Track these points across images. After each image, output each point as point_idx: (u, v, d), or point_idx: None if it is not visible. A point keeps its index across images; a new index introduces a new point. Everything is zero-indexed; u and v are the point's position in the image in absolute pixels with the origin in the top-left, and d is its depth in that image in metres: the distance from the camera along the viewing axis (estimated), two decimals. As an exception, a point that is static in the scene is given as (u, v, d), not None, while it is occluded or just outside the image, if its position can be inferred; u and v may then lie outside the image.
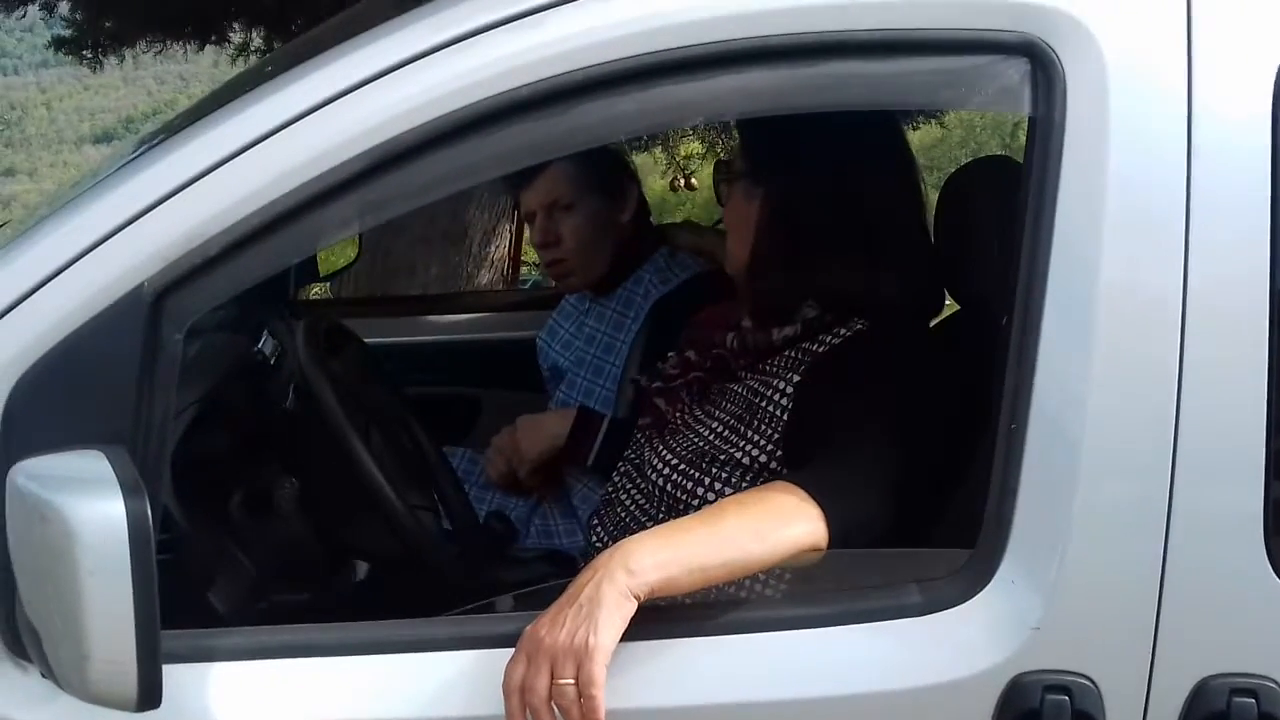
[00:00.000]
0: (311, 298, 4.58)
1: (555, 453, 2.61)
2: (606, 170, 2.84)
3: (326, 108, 1.47)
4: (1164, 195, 1.45)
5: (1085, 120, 1.46)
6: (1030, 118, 1.49)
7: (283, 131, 1.46)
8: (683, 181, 11.78)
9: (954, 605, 1.49)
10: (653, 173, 13.48)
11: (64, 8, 8.21)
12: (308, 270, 3.59)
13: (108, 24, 8.13)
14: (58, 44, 8.63)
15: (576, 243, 2.80)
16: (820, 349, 1.93)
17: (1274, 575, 1.47)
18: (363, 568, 2.34)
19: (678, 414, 2.09)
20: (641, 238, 2.86)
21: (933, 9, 1.50)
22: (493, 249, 6.91)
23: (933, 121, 10.02)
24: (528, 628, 1.44)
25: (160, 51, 8.29)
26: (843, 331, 1.94)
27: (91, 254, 1.44)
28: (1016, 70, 1.49)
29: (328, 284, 5.98)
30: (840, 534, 1.58)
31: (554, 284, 3.01)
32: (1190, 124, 1.45)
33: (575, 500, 2.67)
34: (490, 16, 1.49)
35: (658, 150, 11.36)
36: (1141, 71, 1.47)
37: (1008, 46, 1.48)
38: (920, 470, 1.71)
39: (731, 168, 2.09)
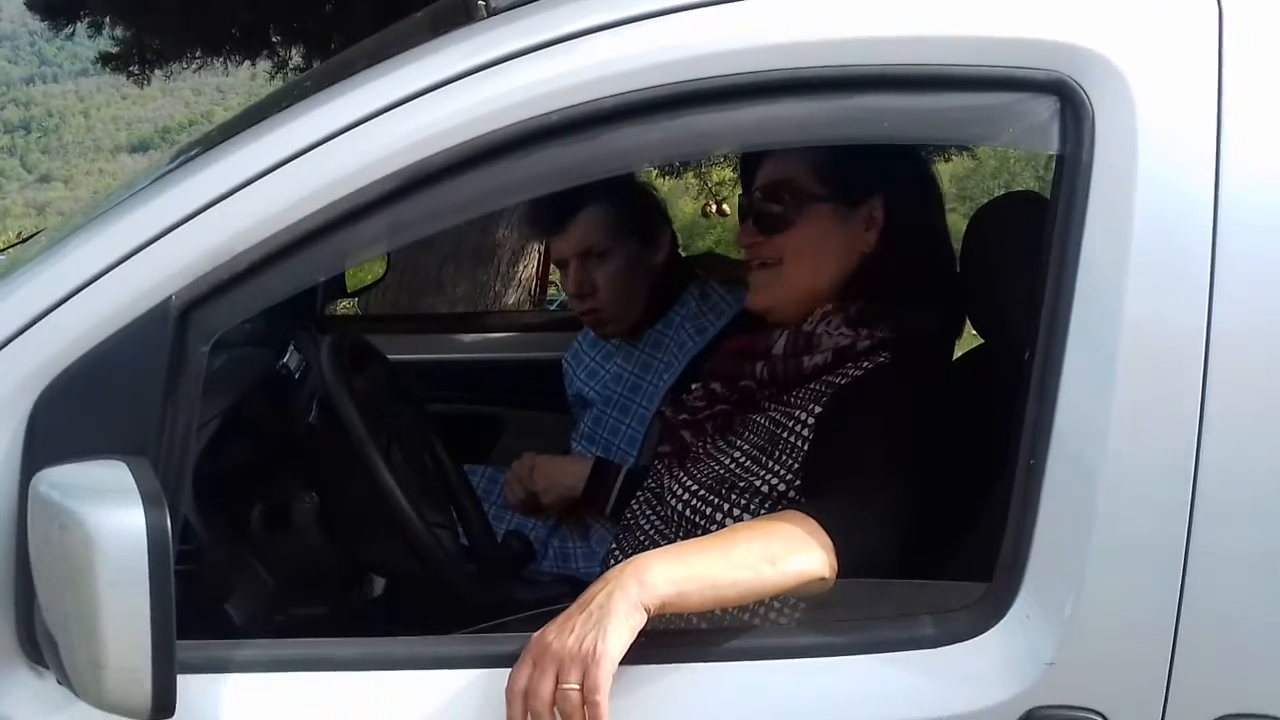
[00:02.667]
0: (338, 313, 4.59)
1: (571, 501, 2.59)
2: (640, 214, 2.77)
3: (357, 129, 1.48)
4: (1190, 236, 1.44)
5: (1113, 160, 1.45)
6: (1058, 156, 1.48)
7: (312, 151, 1.47)
8: (714, 208, 11.70)
9: (968, 638, 1.49)
10: (683, 196, 13.46)
11: (108, 24, 8.28)
12: (335, 286, 3.61)
13: (154, 42, 8.21)
14: (104, 60, 8.72)
15: (612, 291, 2.72)
16: (842, 380, 1.93)
17: (1291, 615, 1.46)
18: (379, 583, 2.35)
19: (700, 444, 2.08)
20: (672, 276, 2.80)
21: (963, 45, 1.50)
22: (521, 268, 6.92)
23: (965, 153, 10.00)
24: (536, 634, 1.44)
25: (201, 68, 8.36)
26: (865, 364, 1.94)
27: (120, 267, 1.45)
28: (1046, 108, 1.48)
29: (355, 300, 6.00)
30: (849, 565, 1.58)
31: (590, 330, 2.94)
32: (1218, 166, 1.45)
33: (593, 542, 2.64)
34: (522, 42, 1.50)
35: (689, 175, 11.33)
36: (1171, 112, 1.46)
37: (1037, 84, 1.48)
38: (936, 503, 1.71)
39: (796, 190, 2.00)
